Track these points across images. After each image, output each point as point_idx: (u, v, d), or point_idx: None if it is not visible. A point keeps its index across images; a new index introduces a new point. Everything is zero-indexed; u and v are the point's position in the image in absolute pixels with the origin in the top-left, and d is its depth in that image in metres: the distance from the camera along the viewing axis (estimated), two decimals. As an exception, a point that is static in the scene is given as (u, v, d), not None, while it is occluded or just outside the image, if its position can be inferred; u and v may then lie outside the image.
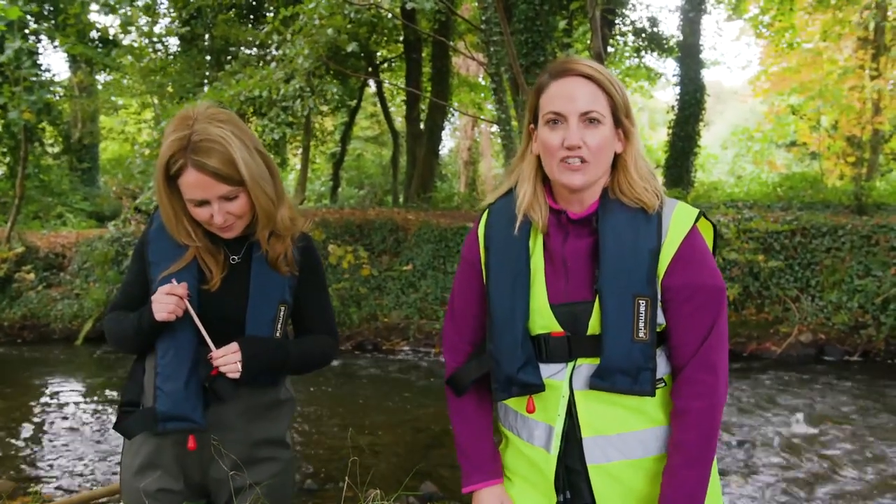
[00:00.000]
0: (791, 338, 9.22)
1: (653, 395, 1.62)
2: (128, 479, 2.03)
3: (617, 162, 1.69)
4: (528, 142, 1.73)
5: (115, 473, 5.56)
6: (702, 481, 1.61)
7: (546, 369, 1.68)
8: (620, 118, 1.64)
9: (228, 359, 1.87)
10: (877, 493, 4.97)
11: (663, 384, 1.67)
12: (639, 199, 1.65)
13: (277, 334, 1.99)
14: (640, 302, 1.60)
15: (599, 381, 1.62)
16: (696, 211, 1.67)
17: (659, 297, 1.63)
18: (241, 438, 2.01)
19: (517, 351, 1.67)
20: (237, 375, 1.88)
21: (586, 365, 1.65)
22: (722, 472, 5.24)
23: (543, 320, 1.67)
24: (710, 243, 1.72)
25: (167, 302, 1.86)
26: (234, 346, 1.88)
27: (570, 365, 1.67)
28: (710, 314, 1.63)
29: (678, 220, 1.64)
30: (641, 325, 1.59)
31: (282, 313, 2.00)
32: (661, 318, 1.64)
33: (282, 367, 1.99)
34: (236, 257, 2.00)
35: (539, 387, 1.67)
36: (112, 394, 8.09)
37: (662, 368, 1.67)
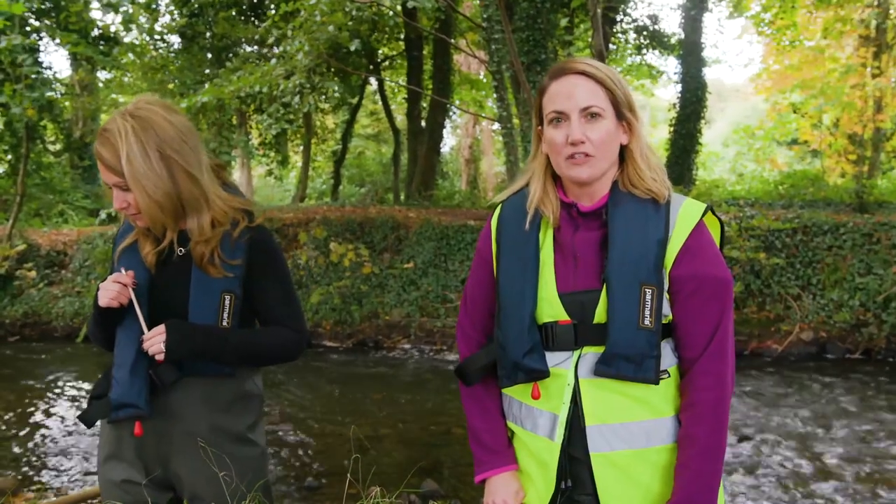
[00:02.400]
0: (792, 336, 9.22)
1: (656, 383, 1.64)
2: (99, 470, 2.09)
3: (624, 154, 1.73)
4: (538, 143, 1.78)
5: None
6: (716, 472, 1.63)
7: (552, 357, 1.70)
8: (622, 111, 1.68)
9: (154, 340, 1.90)
10: (877, 491, 4.97)
11: (667, 375, 1.68)
12: (649, 190, 1.68)
13: (224, 324, 1.99)
14: (647, 290, 1.62)
15: (604, 368, 1.64)
16: (704, 205, 1.70)
17: (665, 287, 1.65)
18: (194, 430, 2.01)
19: (524, 337, 1.69)
20: (161, 357, 1.90)
21: (592, 353, 1.67)
22: (724, 468, 5.25)
23: (551, 309, 1.69)
24: (716, 239, 1.75)
25: (110, 289, 1.93)
26: (160, 327, 1.92)
27: (576, 353, 1.68)
28: (718, 306, 1.65)
29: (686, 212, 1.68)
30: (647, 312, 1.62)
31: (227, 303, 2.00)
32: (666, 310, 1.66)
33: (218, 353, 1.97)
34: (182, 249, 2.03)
35: (544, 373, 1.69)
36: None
37: (667, 360, 1.68)
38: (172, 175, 1.92)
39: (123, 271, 1.96)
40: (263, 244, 2.07)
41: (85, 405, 7.01)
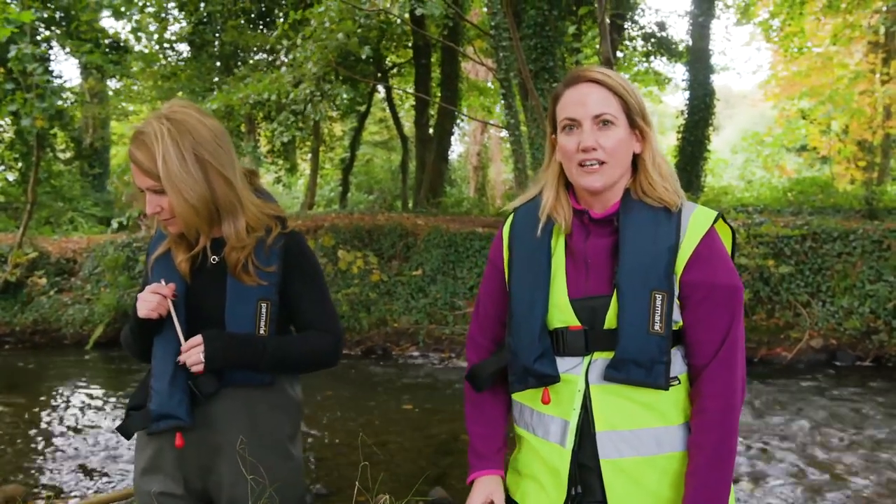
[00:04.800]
0: (802, 343, 9.18)
1: (666, 388, 1.64)
2: (136, 480, 2.06)
3: (637, 162, 1.74)
4: (552, 152, 1.79)
5: (123, 478, 5.59)
6: (726, 481, 1.63)
7: (563, 363, 1.70)
8: (635, 120, 1.69)
9: (192, 352, 1.88)
10: (888, 500, 4.94)
11: (677, 382, 1.68)
12: (661, 199, 1.69)
13: (261, 332, 1.98)
14: (657, 296, 1.63)
15: (614, 373, 1.64)
16: (715, 213, 1.71)
17: (676, 293, 1.66)
18: (235, 440, 1.99)
19: (535, 342, 1.70)
20: (200, 368, 1.88)
21: (602, 359, 1.68)
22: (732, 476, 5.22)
23: (562, 315, 1.70)
24: (727, 246, 1.75)
25: (150, 300, 1.91)
26: (197, 338, 1.89)
27: (587, 359, 1.69)
28: (728, 313, 1.66)
29: (697, 219, 1.68)
30: (657, 318, 1.62)
31: (263, 310, 1.98)
32: (677, 316, 1.67)
33: (256, 362, 1.95)
34: (216, 257, 2.01)
35: (555, 378, 1.70)
36: (123, 399, 8.12)
37: (677, 367, 1.69)
38: (208, 178, 1.90)
39: (163, 283, 1.95)
40: (298, 249, 2.06)
41: (93, 413, 7.03)
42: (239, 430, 2.00)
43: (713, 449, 1.62)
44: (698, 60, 15.96)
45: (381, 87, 19.84)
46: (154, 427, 1.94)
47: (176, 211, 1.89)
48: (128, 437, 2.02)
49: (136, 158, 1.87)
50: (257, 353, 1.95)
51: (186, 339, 1.93)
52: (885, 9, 15.50)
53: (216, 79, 15.15)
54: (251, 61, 16.01)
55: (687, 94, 16.10)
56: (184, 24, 16.04)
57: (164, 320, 1.96)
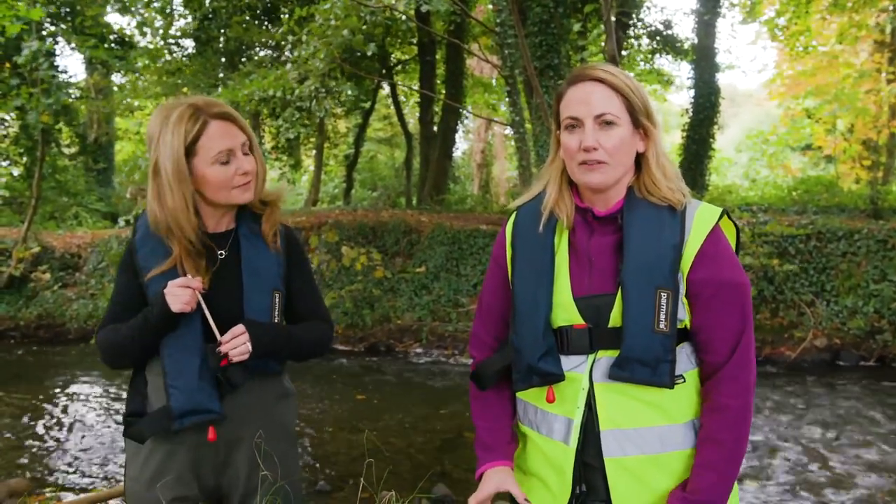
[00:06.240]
0: (806, 342, 9.17)
1: (671, 387, 1.64)
2: (139, 490, 1.98)
3: (640, 161, 1.73)
4: (557, 148, 1.78)
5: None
6: (735, 476, 1.66)
7: (567, 362, 1.70)
8: (639, 119, 1.68)
9: (237, 341, 1.89)
10: (890, 499, 4.93)
11: (682, 381, 1.68)
12: (665, 198, 1.69)
13: (276, 321, 2.03)
14: (662, 294, 1.62)
15: (619, 371, 1.64)
16: (720, 210, 1.70)
17: (682, 291, 1.65)
18: (254, 431, 2.01)
19: (539, 341, 1.70)
20: (247, 356, 1.89)
21: (606, 357, 1.67)
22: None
23: (566, 313, 1.70)
24: (732, 243, 1.75)
25: (181, 294, 1.87)
26: (239, 328, 1.90)
27: (591, 358, 1.69)
28: (739, 311, 1.66)
29: (702, 217, 1.68)
30: (662, 316, 1.62)
31: (276, 301, 2.02)
32: (682, 315, 1.66)
33: (284, 348, 2.01)
34: (223, 252, 2.03)
35: (559, 376, 1.70)
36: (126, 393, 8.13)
37: (682, 365, 1.68)
38: None
39: (189, 277, 1.92)
40: (296, 241, 2.14)
41: (97, 408, 7.02)
42: (257, 421, 2.02)
43: (732, 445, 1.63)
44: (703, 59, 15.91)
45: (385, 84, 19.82)
46: (180, 424, 1.90)
47: (259, 171, 1.99)
48: (143, 441, 1.96)
49: (231, 114, 1.94)
50: (286, 341, 2.00)
51: (208, 332, 1.93)
52: (891, 8, 15.45)
53: (221, 75, 15.17)
54: (256, 57, 16.02)
55: (692, 92, 16.05)
56: (189, 19, 16.05)
57: (184, 316, 1.92)
